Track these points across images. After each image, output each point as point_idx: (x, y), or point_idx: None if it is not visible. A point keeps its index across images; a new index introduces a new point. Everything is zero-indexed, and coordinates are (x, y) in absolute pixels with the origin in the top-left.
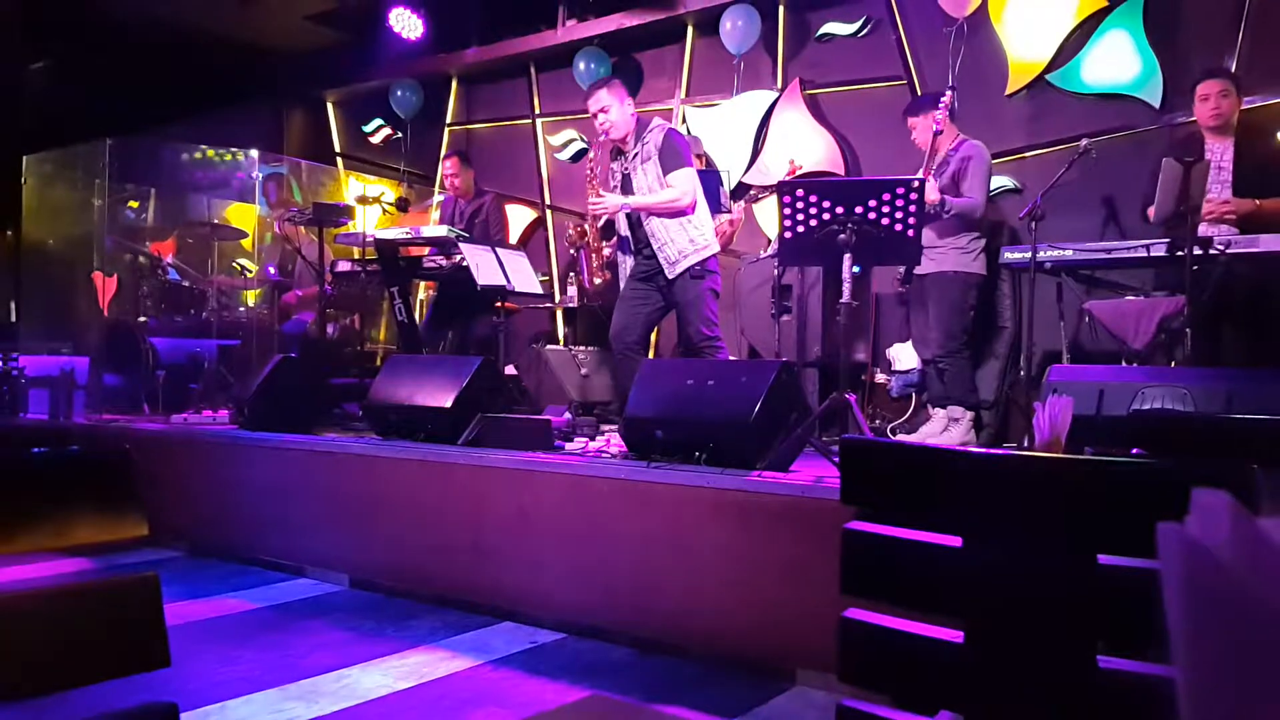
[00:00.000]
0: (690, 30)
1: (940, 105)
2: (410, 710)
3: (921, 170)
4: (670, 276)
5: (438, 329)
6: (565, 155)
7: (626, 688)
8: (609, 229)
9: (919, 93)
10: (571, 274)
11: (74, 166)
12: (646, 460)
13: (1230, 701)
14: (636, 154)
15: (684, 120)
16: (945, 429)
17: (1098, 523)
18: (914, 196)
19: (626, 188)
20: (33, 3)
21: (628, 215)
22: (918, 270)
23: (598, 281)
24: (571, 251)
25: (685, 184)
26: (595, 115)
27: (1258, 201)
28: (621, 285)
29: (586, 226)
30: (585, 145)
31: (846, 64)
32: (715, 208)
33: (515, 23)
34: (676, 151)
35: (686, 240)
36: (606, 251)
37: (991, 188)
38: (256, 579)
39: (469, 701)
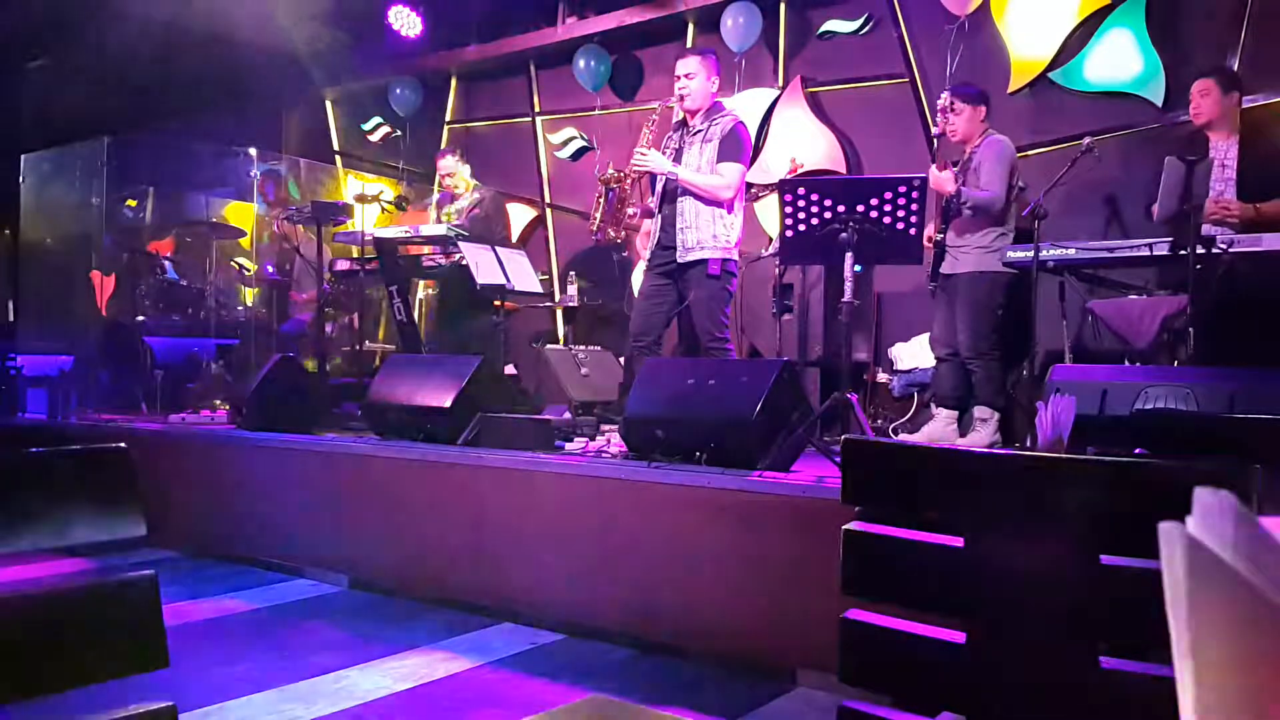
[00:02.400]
0: (691, 28)
1: (979, 104)
2: (409, 711)
3: (936, 162)
4: (680, 261)
5: (443, 327)
6: (565, 153)
7: (626, 688)
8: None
9: (920, 90)
10: (597, 214)
11: (72, 166)
12: (647, 460)
13: (1232, 703)
14: (699, 132)
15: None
16: (972, 429)
17: (1100, 523)
18: (915, 195)
19: (677, 161)
20: (33, 3)
21: (665, 185)
22: (944, 269)
23: (611, 234)
24: (599, 190)
25: (733, 178)
26: (678, 77)
27: (1257, 206)
28: (639, 281)
29: (625, 173)
30: (585, 143)
31: (848, 62)
32: None
33: (515, 20)
34: (739, 145)
35: (711, 234)
36: (630, 212)
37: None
38: (256, 579)
39: (469, 702)
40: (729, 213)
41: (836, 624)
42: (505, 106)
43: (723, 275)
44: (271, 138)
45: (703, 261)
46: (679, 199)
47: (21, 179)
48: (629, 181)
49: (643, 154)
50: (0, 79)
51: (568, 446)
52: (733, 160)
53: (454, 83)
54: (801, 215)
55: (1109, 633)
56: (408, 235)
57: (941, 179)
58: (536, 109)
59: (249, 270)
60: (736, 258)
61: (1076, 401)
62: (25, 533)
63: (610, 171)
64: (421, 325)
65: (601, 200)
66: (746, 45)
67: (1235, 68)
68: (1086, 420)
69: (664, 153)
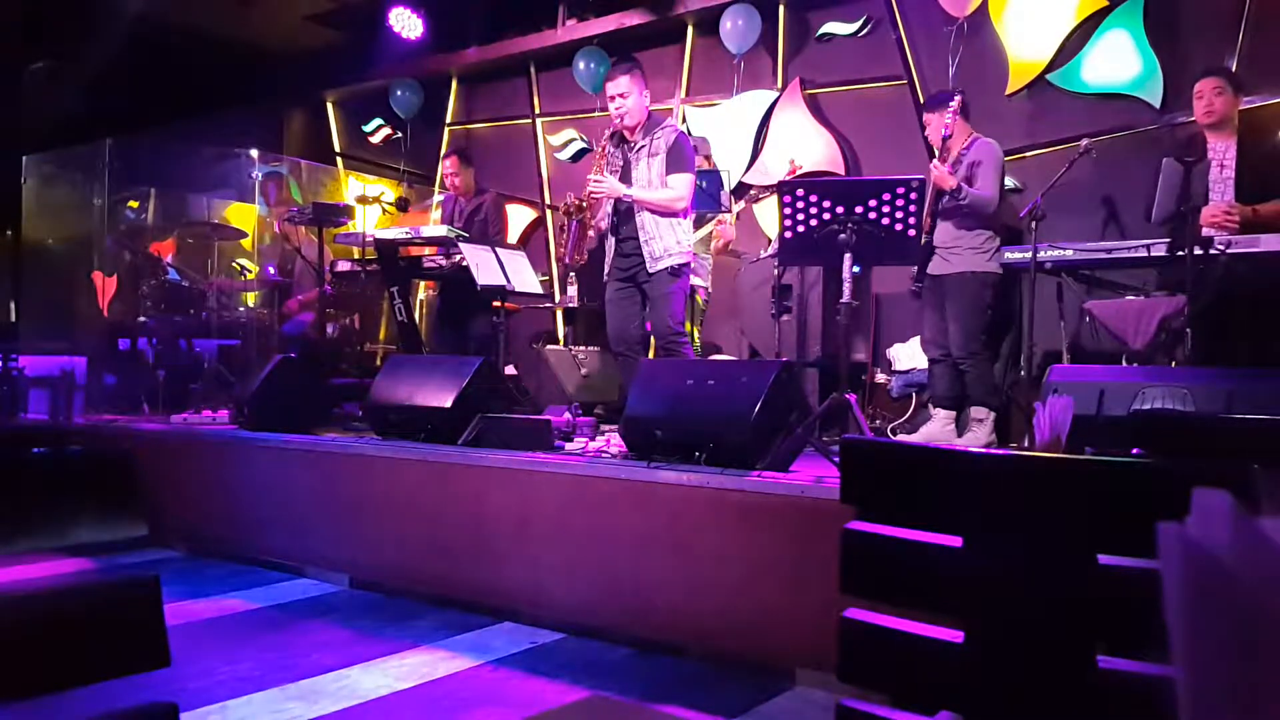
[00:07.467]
0: (690, 30)
1: (949, 108)
2: (410, 710)
3: (938, 159)
4: (651, 271)
5: (443, 329)
6: (565, 155)
7: (626, 688)
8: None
9: (919, 92)
10: (565, 244)
11: (74, 167)
12: (646, 460)
13: (1231, 702)
14: (643, 147)
15: (684, 120)
16: (968, 429)
17: (1098, 523)
18: (914, 196)
19: (625, 176)
20: (33, 3)
21: (618, 203)
22: (932, 270)
23: (578, 259)
24: (563, 219)
25: (685, 189)
26: (612, 98)
27: (1255, 208)
28: (605, 288)
29: (584, 202)
30: (585, 145)
31: (847, 64)
32: (715, 207)
33: (515, 22)
34: (684, 156)
35: (674, 240)
36: (592, 234)
37: None
38: (256, 579)
39: (469, 701)
40: (684, 218)
41: (835, 623)
42: (505, 108)
43: (679, 274)
44: (272, 139)
45: (668, 267)
46: (637, 215)
47: (23, 180)
48: (589, 210)
49: (598, 180)
50: (1, 79)
51: (568, 446)
52: (681, 171)
53: (454, 84)
54: (800, 216)
55: (1106, 632)
56: (408, 236)
57: (942, 174)
58: (536, 110)
59: (250, 273)
60: (689, 259)
61: (1074, 402)
62: (28, 533)
63: (570, 199)
64: (422, 326)
65: (567, 232)
66: (745, 47)
67: (1233, 69)
68: (1084, 420)
69: (611, 169)
